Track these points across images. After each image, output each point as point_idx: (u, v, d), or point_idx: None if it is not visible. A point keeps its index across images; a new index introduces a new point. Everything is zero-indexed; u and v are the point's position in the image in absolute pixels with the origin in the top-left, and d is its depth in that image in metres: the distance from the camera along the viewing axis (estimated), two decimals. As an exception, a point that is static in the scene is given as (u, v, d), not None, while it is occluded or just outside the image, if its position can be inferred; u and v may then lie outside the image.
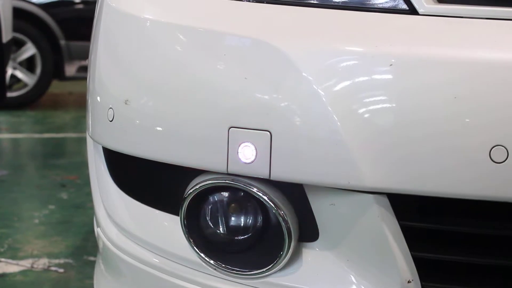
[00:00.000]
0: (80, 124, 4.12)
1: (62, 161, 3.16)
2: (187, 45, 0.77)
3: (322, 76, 0.67)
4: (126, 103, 0.79)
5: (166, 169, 0.81)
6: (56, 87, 5.21)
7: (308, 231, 0.75)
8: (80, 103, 4.96)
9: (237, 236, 0.78)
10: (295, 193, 0.74)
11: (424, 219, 0.71)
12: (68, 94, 5.52)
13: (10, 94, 4.22)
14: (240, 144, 0.70)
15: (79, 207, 2.28)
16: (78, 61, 4.77)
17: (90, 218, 2.01)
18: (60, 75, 4.77)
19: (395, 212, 0.69)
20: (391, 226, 0.69)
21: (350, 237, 0.72)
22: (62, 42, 4.66)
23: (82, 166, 2.88)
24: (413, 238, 0.70)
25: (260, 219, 0.77)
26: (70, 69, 4.74)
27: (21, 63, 4.66)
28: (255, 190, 0.72)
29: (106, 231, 0.91)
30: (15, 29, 3.56)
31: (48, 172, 2.85)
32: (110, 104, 0.82)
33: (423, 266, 0.70)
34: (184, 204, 0.76)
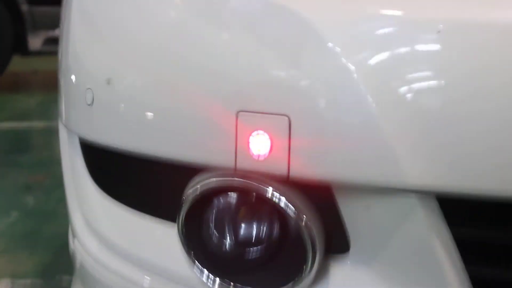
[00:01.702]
0: (48, 110, 4.15)
1: (27, 158, 3.19)
2: (185, 10, 0.78)
3: (353, 47, 0.68)
4: (108, 83, 0.80)
5: (159, 166, 0.82)
6: (18, 64, 5.22)
7: (337, 241, 0.76)
8: (48, 83, 4.97)
9: (249, 248, 0.79)
10: (320, 195, 0.75)
11: (483, 228, 0.73)
12: (33, 72, 5.54)
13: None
14: (252, 132, 0.71)
15: (48, 214, 2.31)
16: (44, 31, 4.76)
17: (64, 227, 1.99)
18: (22, 49, 4.76)
19: (446, 217, 0.70)
20: (441, 234, 0.70)
21: (388, 248, 0.73)
22: (24, 7, 4.64)
23: (51, 163, 2.91)
24: (467, 250, 0.71)
25: (276, 227, 0.78)
26: (35, 42, 4.74)
27: (-30, 35, 4.70)
28: (270, 190, 0.73)
29: (85, 243, 0.92)
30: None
31: (8, 171, 2.89)
32: (88, 84, 0.83)
33: (480, 285, 0.71)
34: (183, 209, 0.77)
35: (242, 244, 0.79)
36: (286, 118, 0.70)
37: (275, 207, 0.76)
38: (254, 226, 0.79)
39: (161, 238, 0.85)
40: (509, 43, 0.65)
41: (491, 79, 0.65)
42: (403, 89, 0.67)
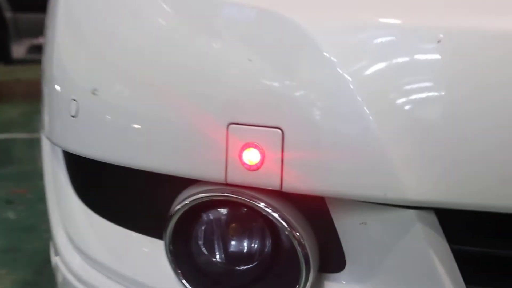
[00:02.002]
0: (31, 121, 4.13)
1: (8, 170, 3.17)
2: (175, 17, 0.78)
3: (349, 56, 0.68)
4: (94, 93, 0.80)
5: (146, 179, 0.81)
6: (0, 73, 5.20)
7: (332, 259, 0.76)
8: (31, 93, 4.93)
9: (239, 266, 0.78)
10: (314, 210, 0.74)
11: (484, 243, 0.72)
12: (16, 81, 5.51)
13: None
14: (243, 145, 0.71)
15: (30, 229, 2.28)
16: (28, 39, 4.74)
17: (45, 244, 1.99)
18: (5, 57, 4.75)
19: (444, 232, 0.70)
20: (440, 250, 0.70)
21: (386, 266, 0.72)
22: (8, 14, 4.63)
23: (34, 176, 2.89)
24: (468, 267, 0.71)
25: (268, 243, 0.77)
26: (18, 50, 4.73)
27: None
28: (262, 205, 0.72)
29: (67, 260, 0.91)
30: None
31: (-11, 184, 2.86)
32: (73, 94, 0.82)
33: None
34: (170, 225, 0.76)
35: (232, 261, 0.78)
36: (279, 131, 0.69)
37: (267, 222, 0.75)
38: (245, 243, 0.78)
39: (148, 255, 0.84)
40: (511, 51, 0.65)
41: (494, 90, 0.65)
42: (401, 99, 0.67)
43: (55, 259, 0.97)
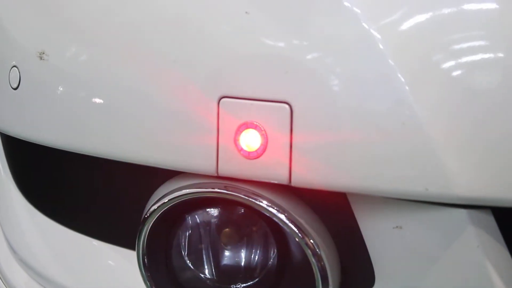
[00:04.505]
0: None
1: None
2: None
3: (378, 7, 0.66)
4: (41, 58, 0.79)
5: (112, 171, 0.80)
6: None
7: (358, 274, 0.74)
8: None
9: (236, 284, 0.77)
10: (333, 210, 0.73)
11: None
12: None
13: None
14: (239, 125, 0.68)
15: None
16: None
17: None
18: None
19: (504, 238, 0.68)
20: (499, 261, 0.67)
21: (426, 281, 0.70)
22: None
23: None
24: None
25: (273, 254, 0.76)
26: None
27: None
28: (264, 204, 0.70)
29: (9, 278, 0.89)
30: None
31: None
32: (13, 59, 0.81)
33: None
34: (144, 230, 0.75)
35: (226, 278, 0.77)
36: (287, 106, 0.67)
37: (272, 227, 0.74)
38: (243, 254, 0.77)
39: (114, 270, 0.83)
40: None
41: None
42: (448, 64, 0.64)
43: None
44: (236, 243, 0.77)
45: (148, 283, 0.76)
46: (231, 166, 0.69)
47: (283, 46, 0.67)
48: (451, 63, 0.63)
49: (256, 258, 0.76)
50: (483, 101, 0.63)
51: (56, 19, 0.80)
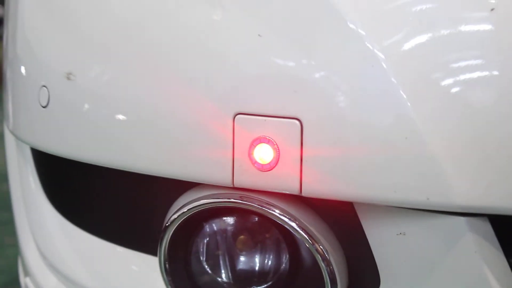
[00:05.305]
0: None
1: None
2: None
3: (381, 28, 0.66)
4: (68, 78, 0.79)
5: (135, 183, 0.80)
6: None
7: (364, 277, 0.74)
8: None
9: (250, 287, 0.77)
10: (341, 218, 0.73)
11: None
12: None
13: None
14: (253, 140, 0.69)
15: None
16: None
17: (12, 262, 1.99)
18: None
19: (501, 244, 0.68)
20: (496, 267, 0.68)
21: (428, 285, 0.70)
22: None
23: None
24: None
25: (285, 259, 0.76)
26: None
27: None
28: (277, 212, 0.71)
29: (40, 281, 0.90)
30: None
31: None
32: (42, 80, 0.81)
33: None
34: (165, 238, 0.75)
35: (241, 281, 0.77)
36: (297, 122, 0.68)
37: (284, 234, 0.74)
38: (257, 259, 0.77)
39: (138, 275, 0.83)
40: None
41: None
42: (447, 82, 0.64)
43: (25, 281, 0.96)
44: (251, 249, 0.77)
45: (170, 285, 0.76)
46: (246, 178, 0.70)
47: (293, 66, 0.68)
48: (450, 80, 0.64)
49: (269, 263, 0.77)
50: (479, 117, 0.63)
51: (81, 42, 0.80)
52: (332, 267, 0.70)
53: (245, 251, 0.77)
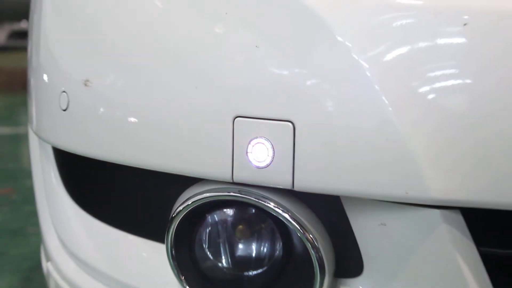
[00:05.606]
0: (15, 114, 4.12)
1: (-9, 168, 3.17)
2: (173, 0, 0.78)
3: (366, 41, 0.68)
4: (86, 84, 0.81)
5: (145, 178, 0.82)
6: (-21, 61, 5.19)
7: (349, 263, 0.76)
8: (13, 83, 4.93)
9: (248, 272, 0.79)
10: (329, 210, 0.75)
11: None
12: (-4, 71, 5.51)
13: None
14: (251, 140, 0.71)
15: (16, 233, 2.29)
16: (9, 24, 4.72)
17: (35, 248, 2.02)
18: (-16, 43, 4.72)
19: (472, 234, 0.70)
20: (467, 253, 0.70)
21: (407, 270, 0.73)
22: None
23: (19, 175, 2.89)
24: (497, 271, 0.71)
25: (279, 247, 0.77)
26: (-1, 35, 4.71)
27: None
28: (271, 205, 0.73)
29: (60, 266, 0.91)
30: None
31: (-30, 184, 2.87)
32: (63, 86, 0.83)
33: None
34: (172, 227, 0.77)
35: (240, 266, 0.79)
36: (290, 124, 0.70)
37: (278, 224, 0.76)
38: (254, 246, 0.78)
39: (147, 261, 0.85)
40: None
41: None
42: (424, 88, 0.67)
43: (46, 265, 0.97)
44: (248, 237, 0.78)
45: (175, 271, 0.79)
46: (244, 174, 0.72)
47: (287, 74, 0.70)
48: (427, 88, 0.66)
49: (265, 250, 0.78)
50: (453, 121, 0.65)
51: (97, 53, 0.81)
52: (321, 254, 0.72)
53: (243, 239, 0.79)
